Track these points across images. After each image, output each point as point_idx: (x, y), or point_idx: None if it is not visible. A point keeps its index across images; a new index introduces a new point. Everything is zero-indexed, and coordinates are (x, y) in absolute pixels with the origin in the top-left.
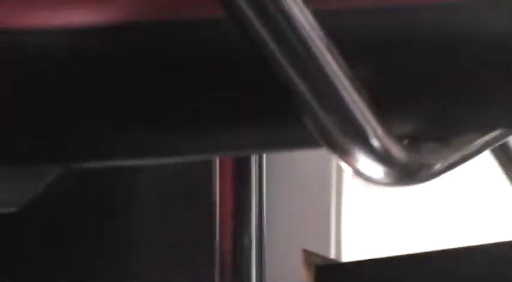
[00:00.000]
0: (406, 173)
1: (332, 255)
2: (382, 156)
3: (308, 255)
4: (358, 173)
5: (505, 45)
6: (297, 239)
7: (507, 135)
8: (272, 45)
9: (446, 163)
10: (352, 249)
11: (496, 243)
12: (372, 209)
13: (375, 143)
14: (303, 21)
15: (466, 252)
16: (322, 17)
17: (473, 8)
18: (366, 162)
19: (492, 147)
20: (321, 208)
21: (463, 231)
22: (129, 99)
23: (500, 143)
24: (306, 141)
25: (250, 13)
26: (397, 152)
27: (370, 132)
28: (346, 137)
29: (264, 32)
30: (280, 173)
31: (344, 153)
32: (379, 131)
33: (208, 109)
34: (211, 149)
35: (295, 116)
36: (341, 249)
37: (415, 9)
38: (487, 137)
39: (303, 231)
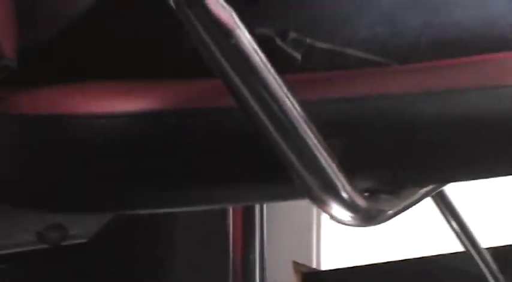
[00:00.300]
0: (367, 217)
1: (314, 265)
2: (349, 205)
3: (297, 265)
4: (332, 217)
5: (436, 129)
6: (288, 254)
7: (439, 187)
8: (270, 127)
9: (398, 209)
10: (328, 262)
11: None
12: (345, 233)
13: (344, 195)
14: (292, 108)
15: (439, 261)
16: (305, 105)
17: (410, 99)
18: (337, 210)
19: (431, 195)
20: (305, 234)
21: (436, 240)
22: (166, 169)
23: (435, 192)
24: (293, 195)
25: (254, 104)
26: (361, 201)
27: (340, 188)
28: (323, 191)
29: (264, 117)
30: (276, 212)
31: (322, 203)
32: (347, 187)
33: (226, 174)
34: (227, 201)
35: (287, 178)
36: (320, 262)
37: (372, 98)
38: (426, 189)
39: (293, 249)
